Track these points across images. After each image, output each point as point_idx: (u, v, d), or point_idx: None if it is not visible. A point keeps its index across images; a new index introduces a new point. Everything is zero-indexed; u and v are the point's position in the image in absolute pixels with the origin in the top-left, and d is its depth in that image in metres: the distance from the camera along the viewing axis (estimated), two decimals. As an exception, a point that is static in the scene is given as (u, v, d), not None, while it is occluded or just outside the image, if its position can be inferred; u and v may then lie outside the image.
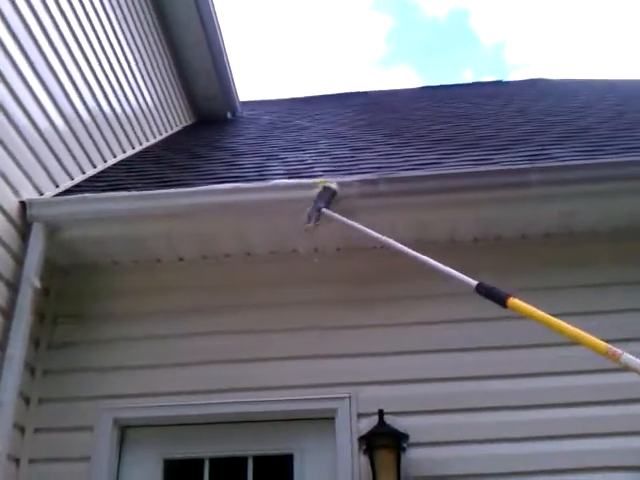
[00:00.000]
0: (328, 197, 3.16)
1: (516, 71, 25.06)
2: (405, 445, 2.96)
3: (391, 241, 2.80)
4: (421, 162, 3.84)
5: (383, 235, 2.85)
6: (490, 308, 3.17)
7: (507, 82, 7.72)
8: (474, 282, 2.34)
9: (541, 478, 2.97)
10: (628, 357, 1.80)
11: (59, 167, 3.59)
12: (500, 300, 2.20)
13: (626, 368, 1.80)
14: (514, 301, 2.15)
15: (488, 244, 3.48)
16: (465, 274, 3.35)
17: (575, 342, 1.97)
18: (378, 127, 5.28)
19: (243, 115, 6.48)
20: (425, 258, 2.61)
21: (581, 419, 3.05)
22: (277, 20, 21.46)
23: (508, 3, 19.78)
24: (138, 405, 3.25)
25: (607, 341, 3.03)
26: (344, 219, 3.05)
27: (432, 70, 21.85)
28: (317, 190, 3.17)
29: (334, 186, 3.19)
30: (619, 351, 1.83)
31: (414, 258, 2.66)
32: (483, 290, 2.28)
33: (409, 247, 3.41)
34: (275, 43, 21.80)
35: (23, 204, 3.20)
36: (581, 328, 3.05)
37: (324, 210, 3.10)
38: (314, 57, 22.72)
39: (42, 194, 3.39)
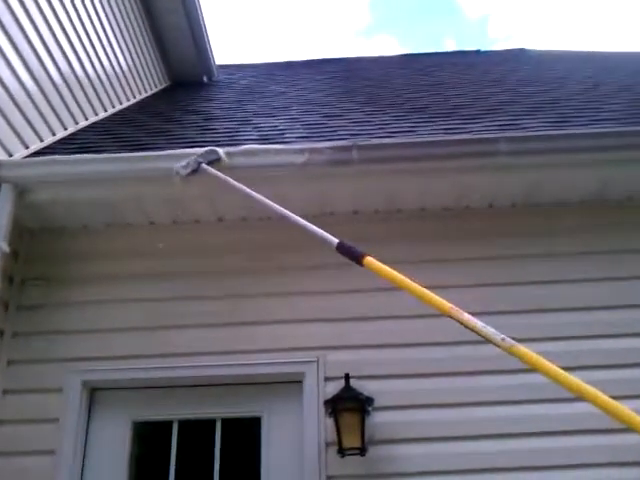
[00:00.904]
0: (211, 159, 3.18)
1: (498, 44, 24.97)
2: (370, 409, 3.02)
3: (261, 198, 2.91)
4: (394, 130, 3.85)
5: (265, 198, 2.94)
6: (463, 275, 3.31)
7: (487, 52, 7.69)
8: (335, 240, 2.50)
9: (503, 441, 3.04)
10: (469, 317, 2.02)
11: (29, 128, 3.55)
12: (356, 259, 2.38)
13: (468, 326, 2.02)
14: (369, 260, 2.34)
15: (457, 213, 3.52)
16: (434, 242, 3.47)
17: (420, 300, 2.18)
18: (354, 94, 5.26)
19: (219, 79, 6.42)
20: (289, 214, 2.78)
21: (545, 384, 3.10)
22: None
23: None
24: (107, 368, 3.27)
25: (583, 308, 3.20)
26: (219, 173, 3.07)
27: (415, 41, 21.75)
28: (203, 149, 3.20)
29: (221, 153, 3.20)
30: (460, 310, 2.06)
31: (276, 211, 2.84)
32: (342, 249, 2.46)
33: (381, 215, 3.53)
34: (260, 7, 21.48)
35: (-8, 165, 3.17)
36: (556, 295, 3.22)
37: (203, 165, 3.13)
38: (299, 23, 22.46)
39: (11, 155, 3.35)
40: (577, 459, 3.00)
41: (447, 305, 2.08)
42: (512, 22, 22.05)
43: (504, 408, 3.11)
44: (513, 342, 1.91)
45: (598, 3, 20.21)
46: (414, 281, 2.26)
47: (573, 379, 1.73)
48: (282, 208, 2.84)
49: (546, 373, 1.80)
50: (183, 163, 3.13)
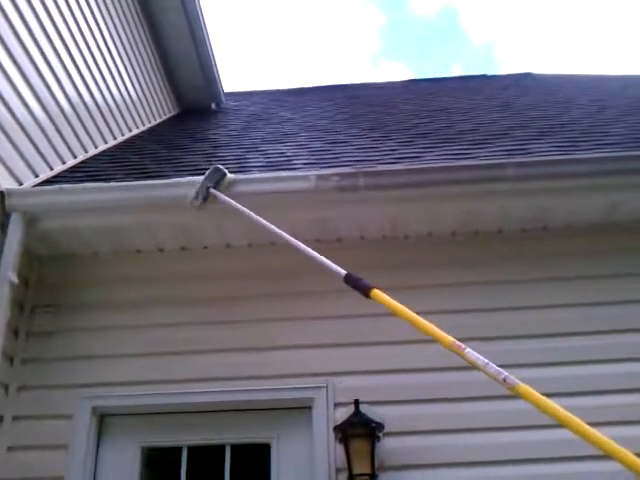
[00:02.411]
0: (217, 178, 3.21)
1: (505, 68, 25.15)
2: (380, 434, 3.01)
3: (272, 227, 2.96)
4: (400, 156, 3.88)
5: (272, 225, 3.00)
6: (470, 300, 3.31)
7: (493, 76, 7.74)
8: (343, 272, 2.51)
9: (513, 467, 3.02)
10: (470, 352, 2.00)
11: (39, 157, 3.60)
12: (363, 291, 2.40)
13: (467, 361, 2.00)
14: (376, 292, 2.35)
15: (466, 238, 3.53)
16: (442, 267, 3.48)
17: (425, 333, 2.19)
18: (360, 120, 5.30)
19: (227, 106, 6.49)
20: (298, 244, 2.82)
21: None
22: (270, 13, 21.39)
23: (497, 2, 19.83)
24: (117, 394, 3.27)
25: (594, 332, 3.18)
26: (230, 200, 3.11)
27: (423, 67, 21.95)
28: (208, 170, 3.24)
29: (224, 169, 3.25)
30: (462, 345, 2.02)
31: (284, 239, 2.89)
32: (350, 281, 2.48)
33: (388, 241, 3.54)
34: (266, 35, 21.72)
35: (2, 194, 3.20)
36: (567, 319, 3.22)
37: (212, 190, 3.16)
38: (307, 49, 22.69)
39: (21, 184, 3.39)
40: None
41: (449, 340, 2.08)
42: (518, 46, 22.22)
43: (516, 433, 3.08)
44: (516, 381, 1.88)
45: (604, 27, 20.33)
46: (421, 308, 2.27)
47: (579, 423, 1.71)
48: (291, 237, 2.88)
49: (552, 415, 1.79)
50: (193, 193, 3.17)
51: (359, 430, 2.97)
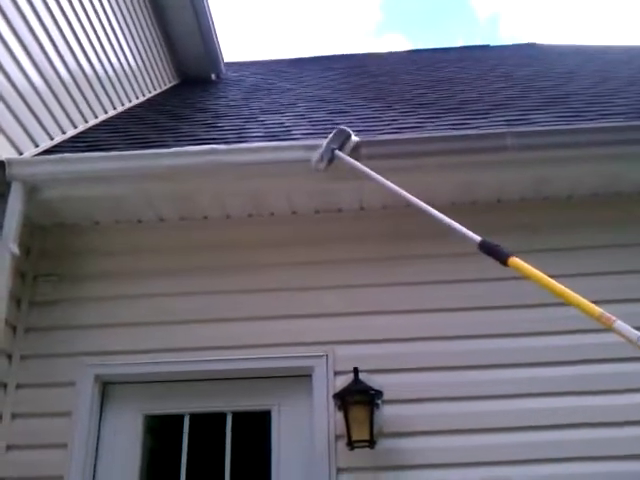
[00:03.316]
0: (343, 139, 3.12)
1: (509, 42, 24.74)
2: (379, 402, 3.04)
3: (400, 191, 2.81)
4: (401, 126, 3.86)
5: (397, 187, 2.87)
6: (470, 270, 3.31)
7: (495, 46, 7.66)
8: (478, 238, 2.36)
9: (513, 434, 3.06)
10: (620, 324, 1.83)
11: (39, 127, 3.59)
12: (501, 258, 2.22)
13: (618, 334, 1.82)
14: (515, 260, 2.19)
15: (464, 208, 3.53)
16: (441, 237, 3.47)
17: (570, 304, 1.98)
18: (361, 91, 5.27)
19: (228, 76, 6.45)
20: (436, 213, 2.65)
21: (554, 378, 3.14)
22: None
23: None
24: (119, 362, 3.31)
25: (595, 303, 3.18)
26: (356, 163, 2.99)
27: (425, 40, 21.68)
28: (333, 131, 3.15)
29: (349, 130, 3.15)
30: (612, 317, 1.85)
31: (425, 212, 2.70)
32: (486, 247, 2.31)
33: (388, 210, 3.54)
34: (269, 5, 21.48)
35: (2, 163, 3.20)
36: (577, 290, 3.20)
37: (337, 152, 3.06)
38: (308, 21, 22.44)
39: (21, 154, 3.39)
40: (591, 451, 3.01)
41: (598, 311, 1.90)
42: (523, 20, 21.94)
43: (513, 401, 3.12)
44: None
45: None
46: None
47: None
48: (423, 203, 2.75)
49: None
50: (317, 155, 3.08)
51: (358, 397, 3.01)
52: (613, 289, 3.28)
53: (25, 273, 3.46)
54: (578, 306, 1.97)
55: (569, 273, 3.29)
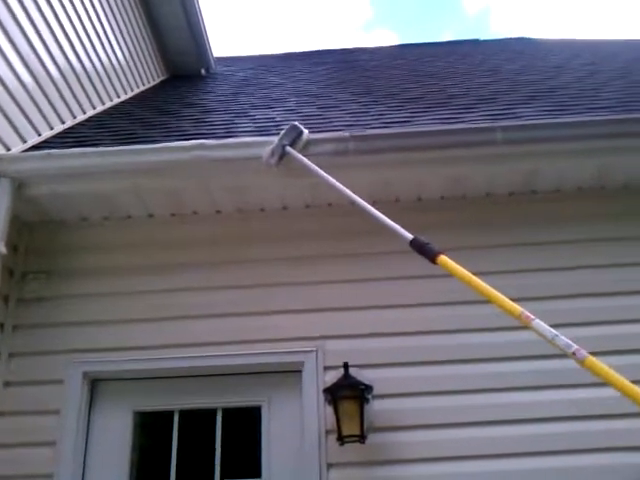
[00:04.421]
0: (294, 136, 3.14)
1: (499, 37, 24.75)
2: (369, 396, 3.04)
3: (347, 191, 2.84)
4: (390, 121, 3.86)
5: (343, 186, 2.89)
6: (460, 265, 3.31)
7: (484, 41, 7.67)
8: (410, 236, 2.39)
9: (505, 427, 3.07)
10: (538, 323, 1.90)
11: (26, 123, 3.56)
12: (430, 256, 2.27)
13: (536, 333, 1.91)
14: (443, 258, 2.23)
15: (454, 202, 3.53)
16: (430, 232, 3.46)
17: (490, 302, 2.05)
18: (350, 85, 5.27)
19: (217, 71, 6.42)
20: (374, 211, 2.69)
21: (538, 372, 3.15)
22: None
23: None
24: (108, 359, 3.29)
25: (577, 295, 3.21)
26: (306, 160, 3.02)
27: (415, 36, 21.67)
28: (285, 128, 3.16)
29: (302, 127, 3.17)
30: (531, 316, 1.92)
31: (365, 211, 2.75)
32: (416, 245, 2.35)
33: (378, 205, 3.52)
34: (260, 0, 21.39)
35: (-11, 159, 3.19)
36: (552, 283, 3.23)
37: (288, 149, 3.08)
38: (298, 16, 22.38)
39: (9, 149, 3.36)
40: (579, 444, 3.02)
41: (518, 310, 1.98)
42: (513, 14, 21.98)
43: (503, 395, 3.13)
44: (585, 355, 1.80)
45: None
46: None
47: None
48: (362, 200, 2.78)
49: (620, 388, 1.71)
50: (268, 151, 3.09)
51: (348, 392, 3.00)
52: (601, 282, 3.31)
53: (13, 270, 3.43)
54: (501, 305, 2.04)
55: (561, 266, 3.37)
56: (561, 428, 3.04)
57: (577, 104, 3.90)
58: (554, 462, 3.00)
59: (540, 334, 1.90)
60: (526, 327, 1.97)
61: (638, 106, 3.81)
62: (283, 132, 3.17)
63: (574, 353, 1.82)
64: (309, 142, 3.25)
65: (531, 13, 21.30)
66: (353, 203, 2.83)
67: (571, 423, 3.05)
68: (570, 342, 1.86)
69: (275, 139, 3.21)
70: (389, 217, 3.45)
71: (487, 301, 2.12)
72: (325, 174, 2.97)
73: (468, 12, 21.20)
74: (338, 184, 2.90)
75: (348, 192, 2.85)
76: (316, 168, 3.00)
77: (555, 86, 4.59)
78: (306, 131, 3.22)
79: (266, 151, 3.11)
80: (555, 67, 5.47)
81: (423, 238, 2.36)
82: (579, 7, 21.58)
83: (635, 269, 3.36)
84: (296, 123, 3.23)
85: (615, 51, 6.02)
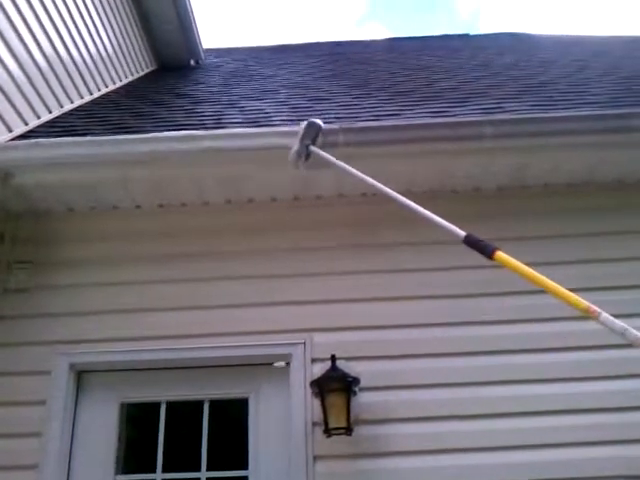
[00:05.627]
0: (313, 134, 3.08)
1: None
2: (356, 389, 3.05)
3: (379, 185, 2.75)
4: (380, 113, 3.86)
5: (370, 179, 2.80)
6: (447, 258, 3.32)
7: (475, 36, 7.68)
8: (462, 233, 2.34)
9: (490, 420, 3.08)
10: (606, 316, 1.84)
11: (13, 112, 3.53)
12: (486, 253, 2.22)
13: (603, 326, 1.84)
14: (500, 254, 2.18)
15: (443, 196, 3.53)
16: (421, 226, 3.45)
17: (556, 297, 1.99)
18: (341, 78, 5.26)
19: (207, 62, 6.39)
20: (416, 206, 2.60)
21: (530, 364, 3.17)
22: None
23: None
24: (94, 350, 3.28)
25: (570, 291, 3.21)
26: (332, 158, 2.94)
27: (407, 33, 21.65)
28: (302, 126, 3.10)
29: (319, 121, 3.11)
30: (598, 310, 1.86)
31: (406, 206, 2.64)
32: (471, 241, 2.30)
33: (368, 198, 3.53)
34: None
35: (-25, 149, 3.16)
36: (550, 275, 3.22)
37: (312, 148, 3.02)
38: (290, 9, 22.26)
39: (-6, 139, 3.34)
40: (563, 438, 3.03)
41: (584, 304, 1.91)
42: (503, 15, 22.02)
43: (488, 388, 3.14)
44: None
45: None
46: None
47: None
48: (402, 197, 2.69)
49: None
50: (293, 154, 3.02)
51: (335, 385, 3.01)
52: (590, 277, 3.31)
53: (-1, 260, 3.41)
54: (565, 299, 1.97)
55: (549, 261, 3.36)
56: (548, 422, 3.06)
57: (567, 99, 3.91)
58: (538, 456, 3.01)
59: (609, 327, 1.84)
60: (592, 320, 1.90)
61: (627, 102, 3.81)
62: (302, 132, 3.07)
63: None
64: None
65: (521, 14, 21.35)
66: (390, 198, 2.71)
67: (561, 417, 3.06)
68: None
69: (266, 129, 3.21)
70: (378, 209, 3.48)
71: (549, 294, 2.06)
72: (350, 167, 2.84)
73: (460, 12, 21.25)
74: (370, 179, 2.79)
75: (383, 187, 2.74)
76: (344, 165, 2.87)
77: (545, 81, 4.59)
78: (322, 124, 3.11)
79: (291, 154, 3.03)
80: (545, 62, 5.48)
81: (476, 235, 2.30)
82: (569, 5, 21.61)
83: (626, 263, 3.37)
84: (313, 119, 3.12)
85: (605, 47, 6.03)
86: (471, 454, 3.02)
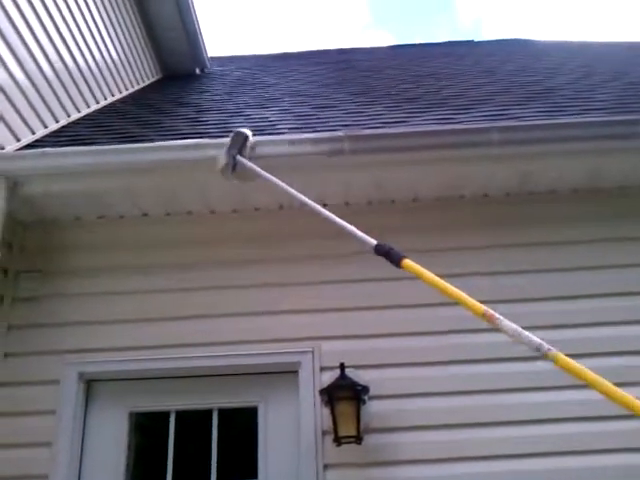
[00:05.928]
0: (240, 142, 3.08)
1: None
2: (365, 397, 3.04)
3: (300, 196, 2.77)
4: (386, 121, 3.86)
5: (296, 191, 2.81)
6: (454, 265, 3.32)
7: (479, 42, 7.68)
8: (373, 242, 2.39)
9: (500, 428, 3.07)
10: (504, 321, 1.87)
11: (20, 121, 3.54)
12: (395, 261, 2.30)
13: (501, 331, 1.87)
14: (407, 262, 2.26)
15: (451, 202, 3.53)
16: (429, 232, 3.48)
17: (457, 303, 2.04)
18: (346, 85, 5.26)
19: (212, 71, 6.41)
20: (329, 215, 2.64)
21: (538, 372, 3.13)
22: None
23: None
24: (103, 359, 3.28)
25: (574, 297, 3.21)
26: (256, 167, 2.95)
27: (411, 40, 21.69)
28: (230, 136, 3.10)
29: (246, 130, 3.11)
30: (496, 314, 1.89)
31: (319, 214, 2.69)
32: (380, 250, 2.36)
33: (374, 206, 3.54)
34: (254, 1, 21.35)
35: (-17, 158, 3.16)
36: (544, 282, 3.23)
37: (239, 157, 3.03)
38: (295, 18, 22.36)
39: (2, 148, 3.34)
40: (571, 446, 3.02)
41: (482, 309, 1.95)
42: (505, 24, 22.07)
43: (499, 396, 3.13)
44: (550, 349, 1.75)
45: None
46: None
47: (619, 392, 1.59)
48: (317, 205, 2.74)
49: (584, 379, 1.68)
50: (222, 165, 3.03)
51: (345, 393, 3.00)
52: (595, 283, 3.31)
53: (7, 269, 3.41)
54: (467, 306, 2.01)
55: (554, 267, 3.37)
56: (558, 430, 3.05)
57: (572, 105, 3.91)
58: (550, 464, 3.00)
59: (505, 332, 1.86)
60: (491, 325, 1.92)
61: (633, 108, 3.82)
62: (229, 141, 3.08)
63: (538, 348, 1.77)
64: (304, 141, 3.23)
65: (522, 21, 21.40)
66: (305, 206, 2.75)
67: (568, 425, 3.05)
68: (535, 338, 1.81)
69: (274, 138, 3.17)
70: (385, 218, 3.49)
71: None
72: (275, 178, 2.86)
73: (463, 20, 21.31)
74: (287, 187, 2.81)
75: (300, 196, 2.78)
76: (266, 174, 2.89)
77: (550, 87, 4.60)
78: (251, 135, 3.13)
79: (220, 164, 3.04)
80: (550, 68, 5.48)
81: (386, 244, 2.37)
82: (570, 12, 21.64)
83: (630, 270, 3.36)
84: (240, 129, 3.14)
85: (610, 53, 6.03)
86: (482, 462, 3.01)
